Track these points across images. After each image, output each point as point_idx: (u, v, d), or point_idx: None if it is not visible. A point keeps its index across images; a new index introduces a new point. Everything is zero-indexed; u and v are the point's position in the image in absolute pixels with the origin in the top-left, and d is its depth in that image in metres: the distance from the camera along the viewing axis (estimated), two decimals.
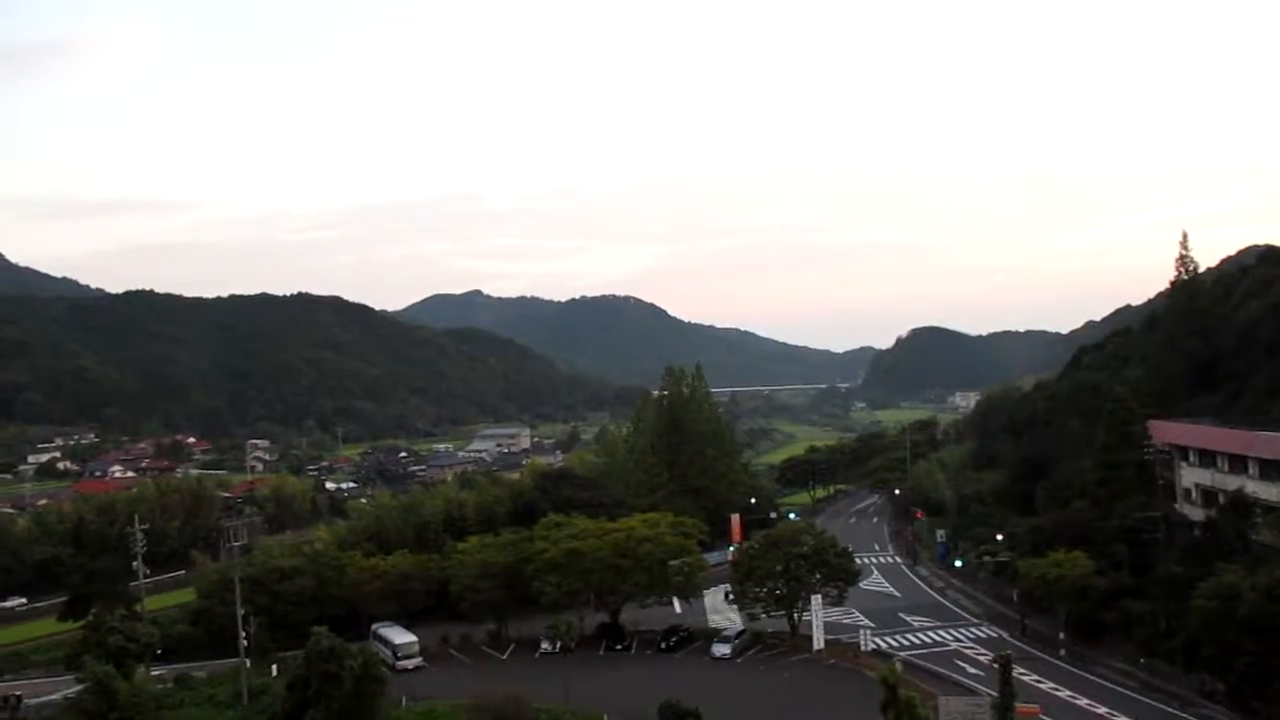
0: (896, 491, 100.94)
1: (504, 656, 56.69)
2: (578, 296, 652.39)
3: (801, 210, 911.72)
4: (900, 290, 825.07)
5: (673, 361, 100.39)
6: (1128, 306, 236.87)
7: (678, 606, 63.29)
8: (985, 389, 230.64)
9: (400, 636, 55.84)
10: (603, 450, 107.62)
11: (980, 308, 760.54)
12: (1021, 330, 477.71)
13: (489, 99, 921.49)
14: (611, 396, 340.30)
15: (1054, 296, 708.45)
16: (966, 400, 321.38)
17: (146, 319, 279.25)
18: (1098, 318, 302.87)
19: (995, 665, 35.48)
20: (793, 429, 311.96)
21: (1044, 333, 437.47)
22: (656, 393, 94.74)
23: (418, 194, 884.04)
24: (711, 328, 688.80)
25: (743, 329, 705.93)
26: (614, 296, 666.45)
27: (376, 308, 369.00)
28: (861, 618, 60.16)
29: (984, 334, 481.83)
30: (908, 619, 60.99)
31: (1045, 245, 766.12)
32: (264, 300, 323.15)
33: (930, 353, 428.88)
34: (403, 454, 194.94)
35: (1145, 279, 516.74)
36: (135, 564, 58.19)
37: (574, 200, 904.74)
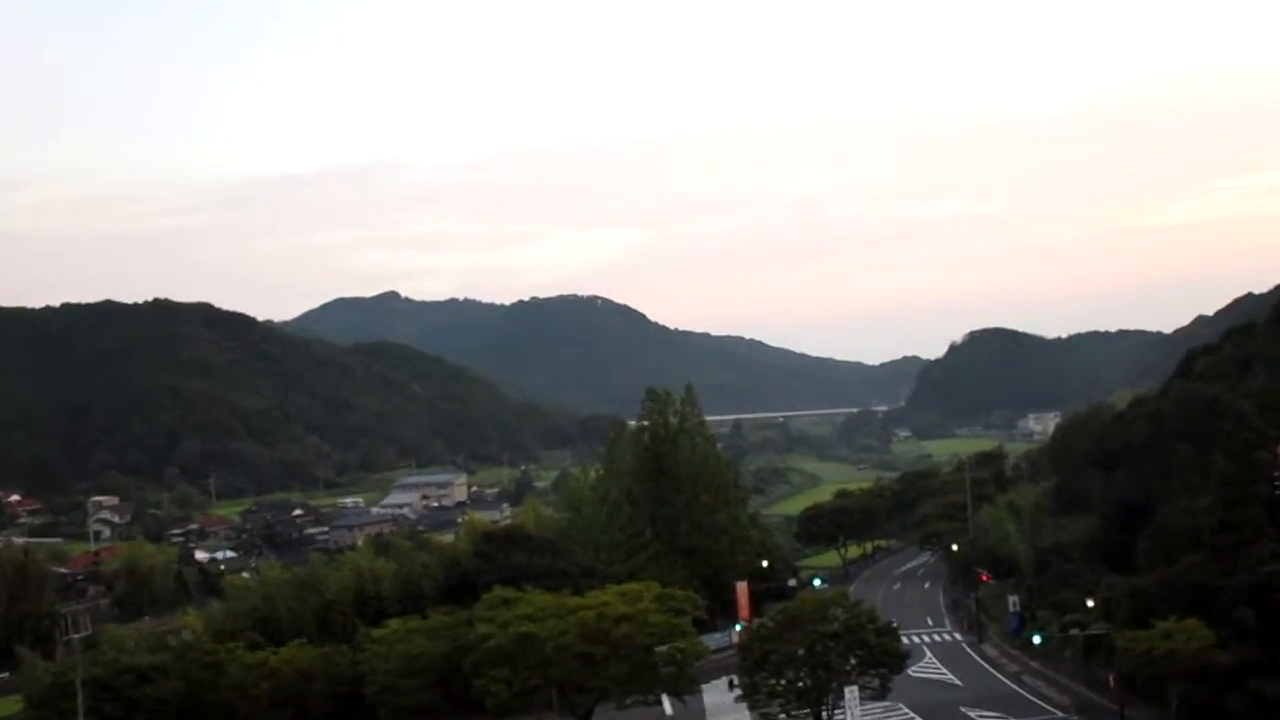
0: (954, 547, 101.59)
1: None
2: (527, 298, 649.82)
3: (822, 178, 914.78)
4: (954, 282, 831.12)
5: (655, 381, 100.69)
6: (1249, 296, 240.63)
7: (668, 707, 63.02)
8: (1067, 409, 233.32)
9: None
10: (564, 502, 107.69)
11: (1058, 302, 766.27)
12: (1112, 330, 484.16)
13: (407, 34, 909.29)
14: (574, 430, 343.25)
15: (1154, 284, 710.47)
16: (1042, 424, 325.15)
17: None
18: (1210, 311, 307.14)
19: None
20: (816, 467, 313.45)
21: (1142, 333, 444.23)
22: (634, 424, 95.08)
23: (314, 164, 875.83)
24: (706, 336, 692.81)
25: (747, 337, 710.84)
26: (576, 297, 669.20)
27: (260, 318, 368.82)
28: (913, 716, 60.64)
29: (1063, 336, 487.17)
30: (972, 715, 61.31)
31: (1143, 217, 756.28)
32: (108, 310, 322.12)
33: (994, 363, 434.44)
34: (298, 512, 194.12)
35: (1272, 259, 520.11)
36: None
37: (521, 170, 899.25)
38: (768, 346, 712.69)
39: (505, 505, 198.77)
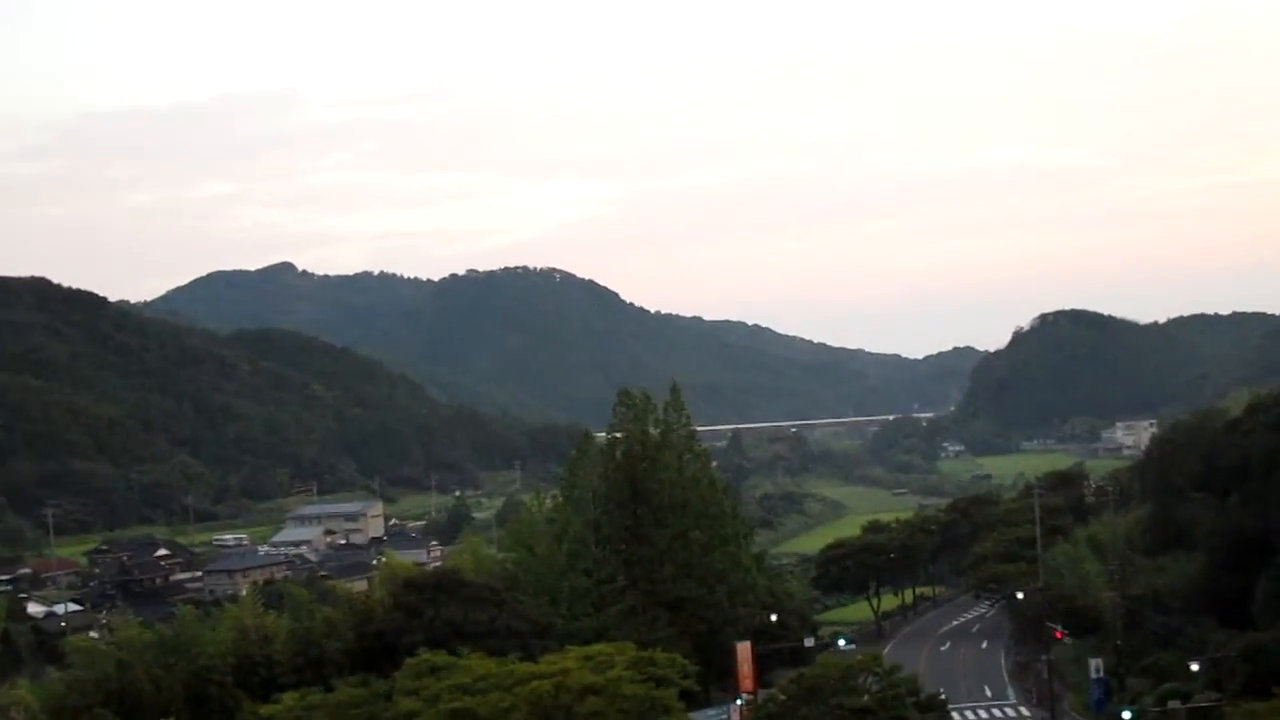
0: (1020, 596, 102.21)
1: None
2: (462, 272, 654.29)
3: (848, 117, 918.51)
4: (1020, 251, 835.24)
5: (631, 380, 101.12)
6: None
7: None
8: (1165, 415, 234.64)
9: None
10: (511, 539, 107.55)
11: (1154, 277, 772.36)
12: (1224, 313, 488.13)
13: None
14: (525, 444, 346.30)
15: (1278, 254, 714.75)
16: (1133, 435, 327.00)
17: None
18: None
19: None
20: (840, 492, 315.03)
21: (1262, 316, 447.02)
22: (603, 436, 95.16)
23: (179, 96, 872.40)
24: (697, 321, 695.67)
25: (751, 323, 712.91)
26: (526, 271, 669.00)
27: (112, 297, 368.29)
28: None
29: (1160, 321, 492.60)
30: None
31: (1264, 167, 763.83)
32: None
33: (1071, 355, 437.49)
34: (162, 552, 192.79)
35: None
36: None
37: (452, 106, 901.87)
38: (777, 335, 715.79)
39: (434, 543, 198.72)
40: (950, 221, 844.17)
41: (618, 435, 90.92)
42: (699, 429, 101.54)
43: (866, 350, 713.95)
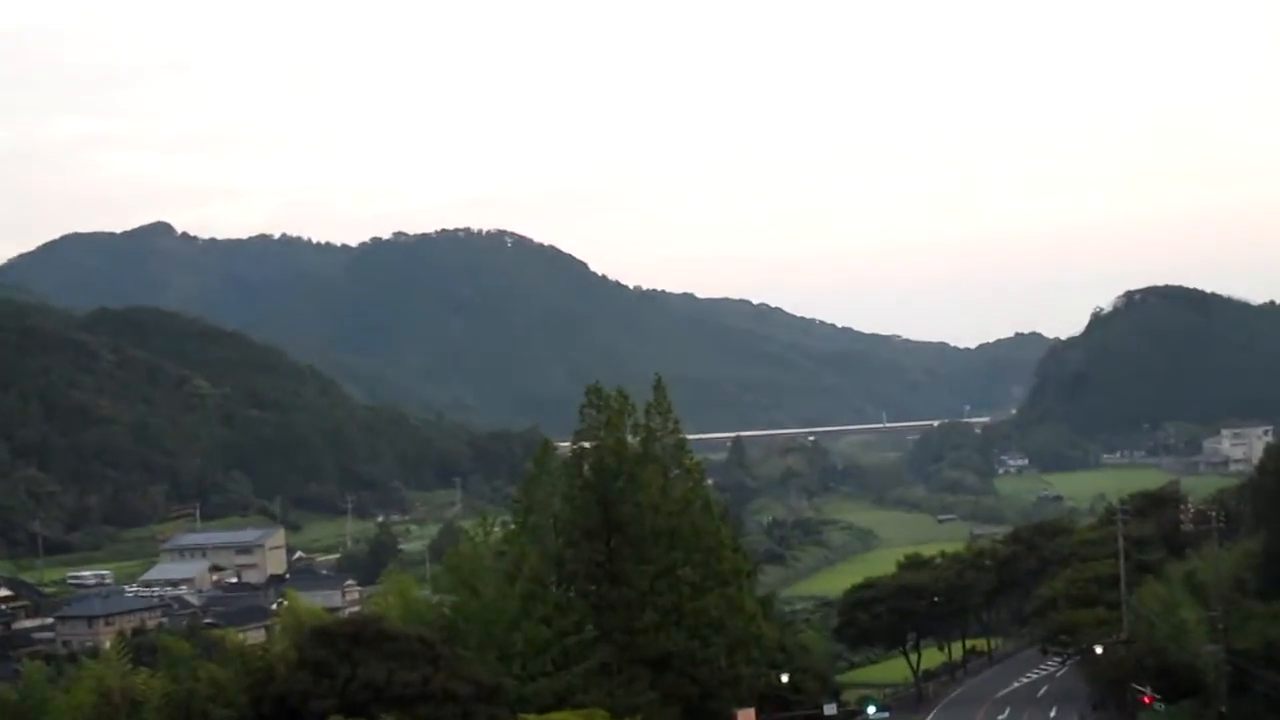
0: (1098, 650, 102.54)
1: None
2: (387, 235, 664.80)
3: (878, 36, 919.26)
4: (1101, 215, 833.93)
5: (603, 373, 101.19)
6: None
7: None
8: None
9: None
10: (450, 577, 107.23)
11: (1272, 248, 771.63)
12: None
13: None
14: (467, 456, 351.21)
15: None
16: (1244, 445, 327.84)
17: None
18: None
19: None
20: (871, 518, 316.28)
21: None
22: (569, 445, 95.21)
23: (29, 8, 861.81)
24: (688, 300, 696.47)
25: (756, 301, 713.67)
26: (469, 235, 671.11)
27: None
28: None
29: (1277, 301, 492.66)
30: None
31: None
32: None
33: (1165, 343, 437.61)
34: (3, 593, 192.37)
35: None
36: None
37: (379, 28, 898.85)
38: (789, 318, 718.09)
39: (350, 582, 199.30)
40: (1013, 175, 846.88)
41: (586, 445, 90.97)
42: (691, 437, 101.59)
43: (904, 337, 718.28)
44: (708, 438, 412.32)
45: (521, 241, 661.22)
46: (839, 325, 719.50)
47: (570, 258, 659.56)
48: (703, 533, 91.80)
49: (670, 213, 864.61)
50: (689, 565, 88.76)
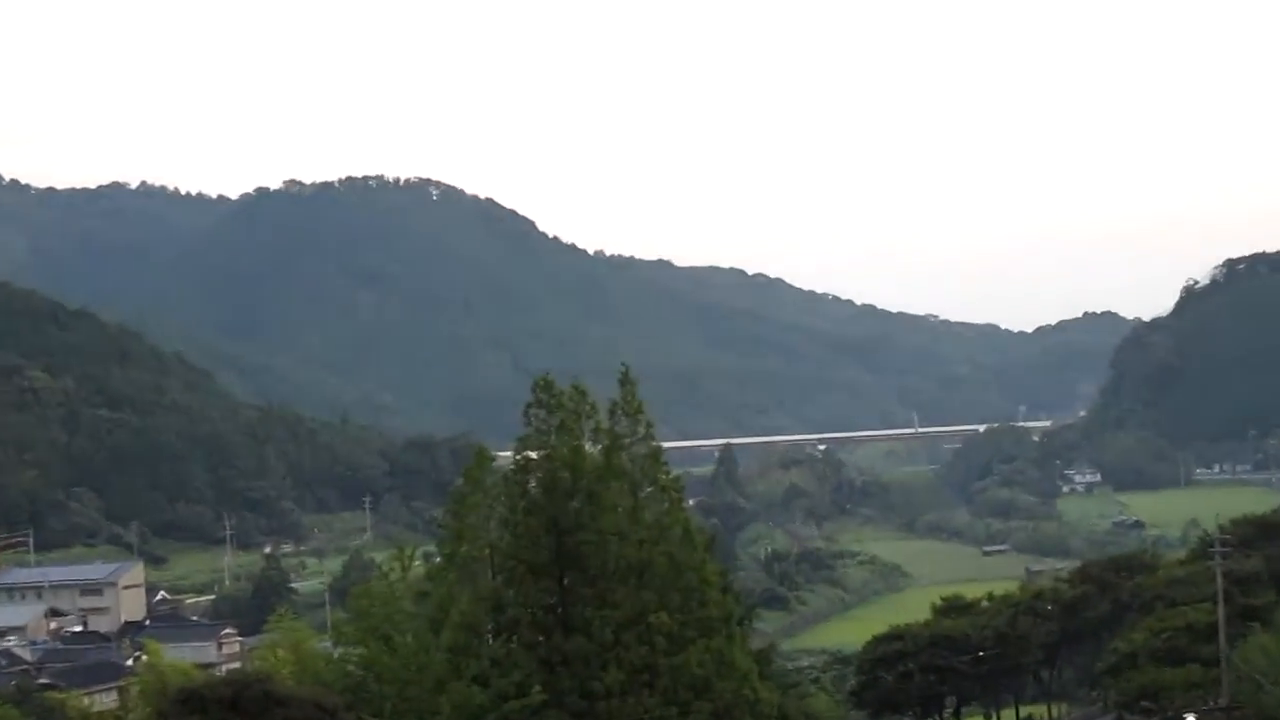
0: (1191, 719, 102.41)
1: None
2: (277, 185, 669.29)
3: None
4: (1192, 166, 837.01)
5: (556, 362, 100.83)
6: None
7: None
8: None
9: None
10: (359, 624, 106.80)
11: None
12: None
13: None
14: (380, 469, 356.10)
15: None
16: None
17: None
18: None
19: None
20: (899, 549, 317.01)
21: None
22: (511, 456, 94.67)
23: None
24: (665, 269, 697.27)
25: (751, 271, 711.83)
26: (384, 184, 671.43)
27: None
28: None
29: None
30: None
31: None
32: None
33: (1276, 327, 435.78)
34: None
35: None
36: None
37: None
38: (794, 292, 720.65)
39: (229, 631, 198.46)
40: (1078, 119, 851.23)
41: (533, 455, 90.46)
42: (668, 445, 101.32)
43: (941, 317, 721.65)
44: (690, 446, 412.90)
45: (450, 193, 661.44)
46: (858, 302, 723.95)
47: (513, 214, 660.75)
48: (682, 568, 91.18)
49: (641, 159, 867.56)
50: (664, 610, 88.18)
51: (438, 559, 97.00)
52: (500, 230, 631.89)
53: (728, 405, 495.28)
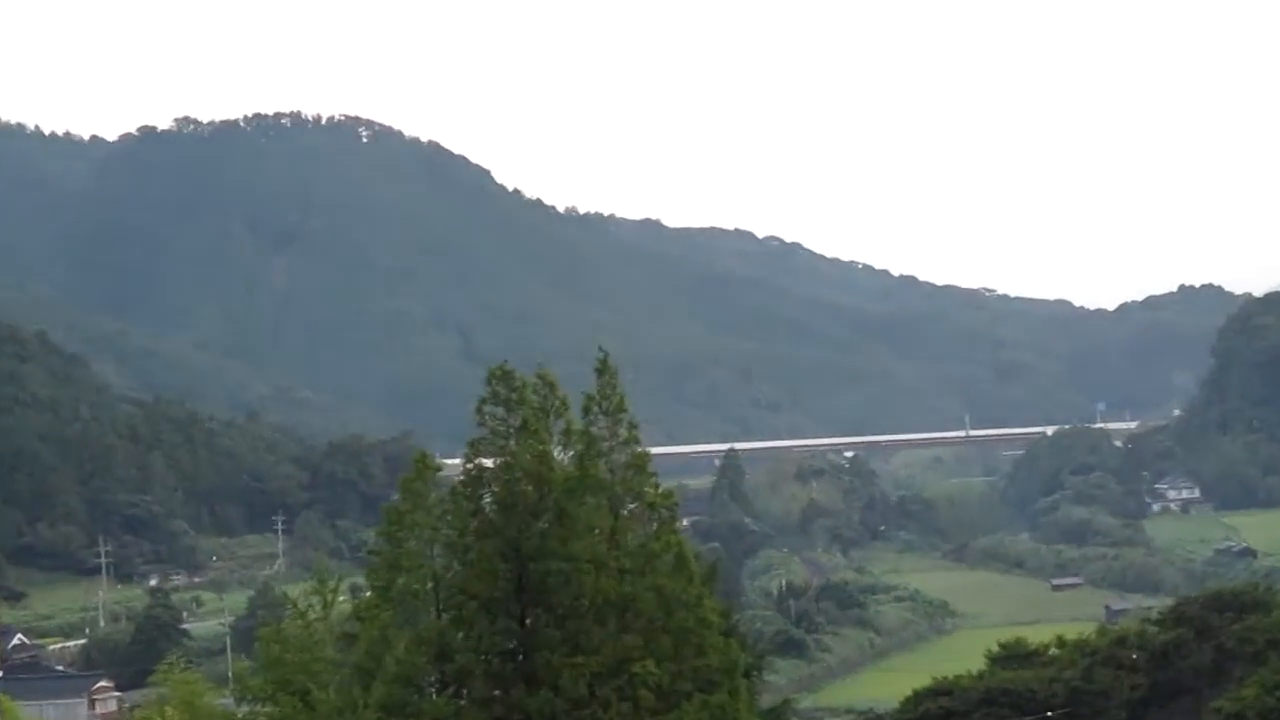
0: None
1: None
2: (166, 125, 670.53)
3: None
4: None
5: (515, 347, 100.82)
6: None
7: None
8: None
9: None
10: (270, 674, 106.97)
11: None
12: None
13: None
14: (298, 481, 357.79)
15: None
16: None
17: None
18: None
19: None
20: (945, 579, 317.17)
21: None
22: (460, 465, 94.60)
23: None
24: (653, 230, 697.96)
25: (761, 235, 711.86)
26: (300, 122, 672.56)
27: None
28: None
29: None
30: None
31: None
32: None
33: None
34: None
35: None
36: None
37: None
38: (816, 261, 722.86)
39: (104, 683, 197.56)
40: (1177, 49, 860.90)
41: (488, 463, 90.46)
42: (658, 451, 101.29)
43: (1000, 292, 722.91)
44: (685, 452, 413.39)
45: (385, 136, 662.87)
46: (895, 272, 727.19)
47: (463, 162, 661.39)
48: (675, 605, 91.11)
49: (623, 94, 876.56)
50: (652, 658, 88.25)
51: (368, 593, 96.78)
52: (448, 181, 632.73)
53: (732, 401, 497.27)
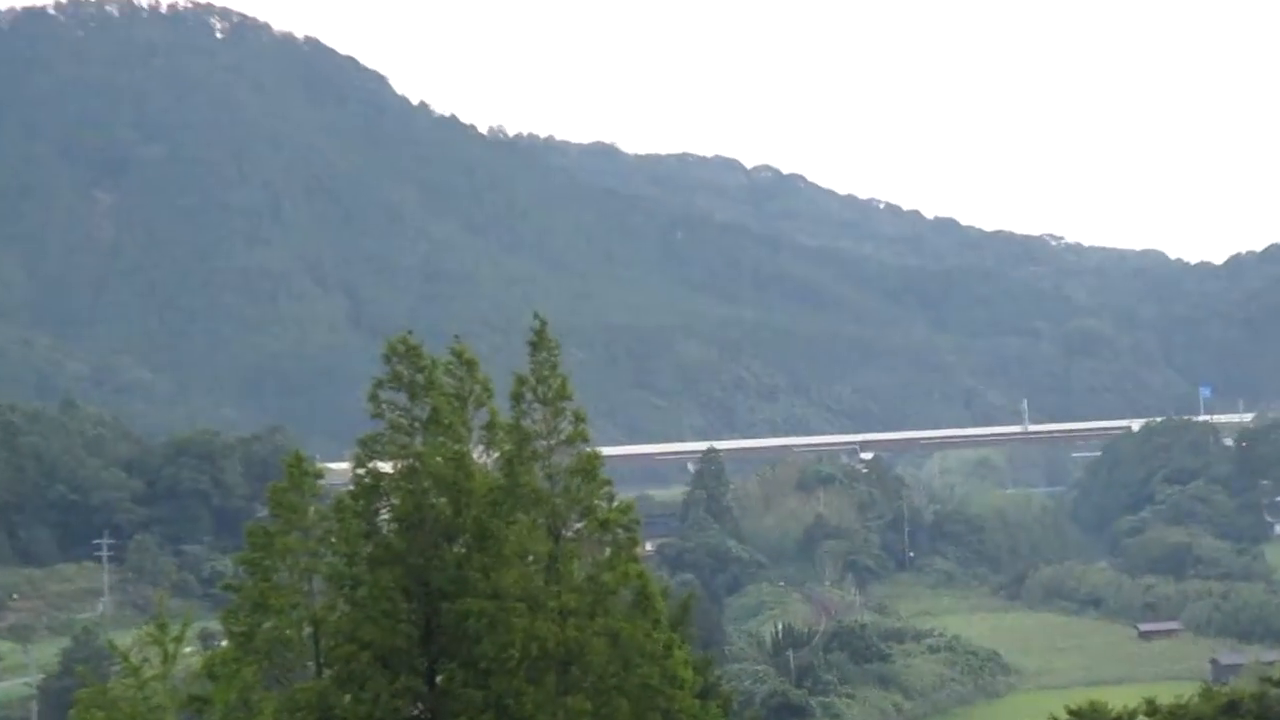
0: None
1: None
2: None
3: None
4: None
5: (419, 309, 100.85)
6: None
7: None
8: None
9: None
10: None
11: None
12: None
13: None
14: (129, 492, 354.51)
15: None
16: None
17: None
18: None
19: None
20: (994, 622, 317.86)
21: None
22: (351, 470, 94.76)
23: None
24: (606, 155, 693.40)
25: (750, 165, 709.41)
26: (133, 8, 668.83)
27: None
28: None
29: None
30: None
31: None
32: None
33: None
34: None
35: None
36: None
37: None
38: (822, 197, 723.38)
39: None
40: None
41: (385, 468, 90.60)
42: (610, 451, 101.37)
43: (1070, 240, 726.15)
44: (650, 453, 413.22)
45: (247, 29, 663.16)
46: (928, 215, 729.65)
47: (351, 65, 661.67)
48: (634, 657, 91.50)
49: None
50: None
51: (224, 642, 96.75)
52: (331, 92, 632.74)
53: (713, 386, 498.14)
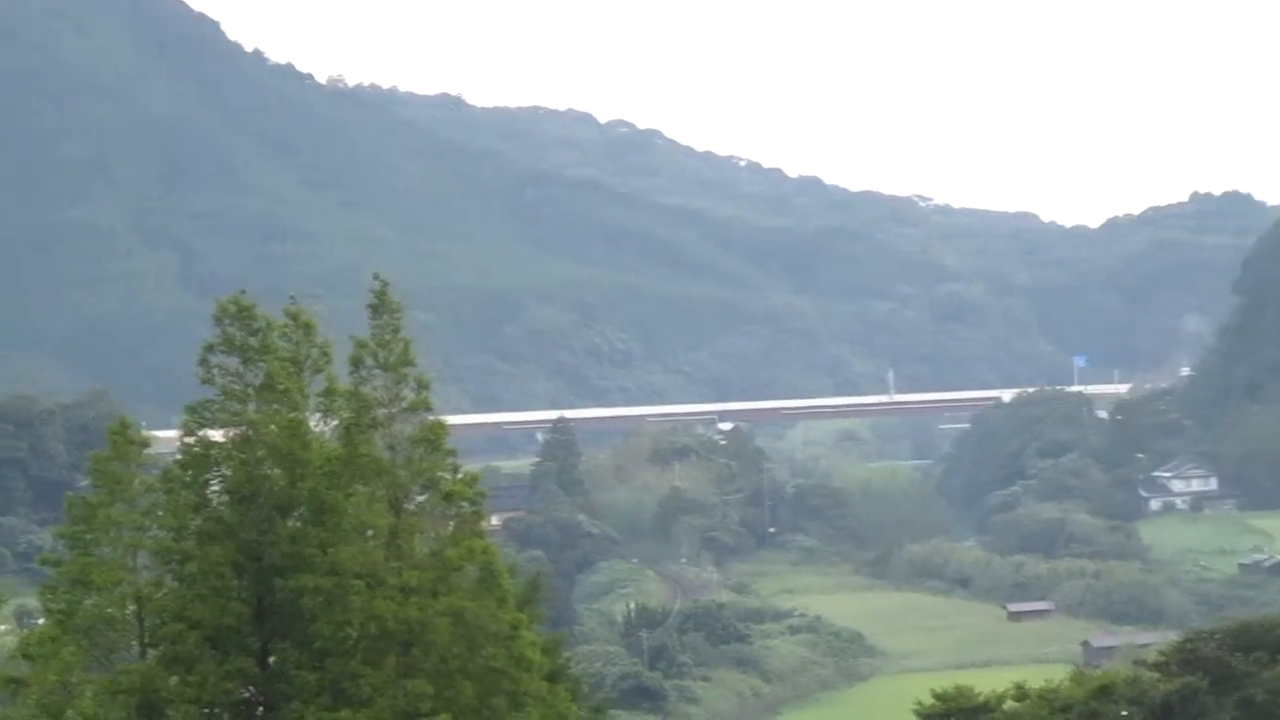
0: None
1: None
2: None
3: None
4: None
5: (253, 270, 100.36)
6: None
7: None
8: None
9: None
10: None
11: None
12: None
13: None
14: None
15: None
16: None
17: None
18: None
19: None
20: (857, 603, 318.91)
21: None
22: (179, 438, 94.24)
23: None
24: (456, 108, 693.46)
25: (604, 120, 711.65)
26: None
27: None
28: None
29: None
30: None
31: None
32: None
33: None
34: None
35: None
36: None
37: None
38: (682, 153, 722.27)
39: None
40: None
41: (217, 436, 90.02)
42: (456, 420, 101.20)
43: (939, 202, 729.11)
44: (498, 422, 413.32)
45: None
46: (791, 173, 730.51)
47: (180, 9, 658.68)
48: (479, 638, 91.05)
49: None
50: (448, 710, 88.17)
51: (42, 621, 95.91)
52: (157, 35, 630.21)
53: (563, 351, 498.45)
